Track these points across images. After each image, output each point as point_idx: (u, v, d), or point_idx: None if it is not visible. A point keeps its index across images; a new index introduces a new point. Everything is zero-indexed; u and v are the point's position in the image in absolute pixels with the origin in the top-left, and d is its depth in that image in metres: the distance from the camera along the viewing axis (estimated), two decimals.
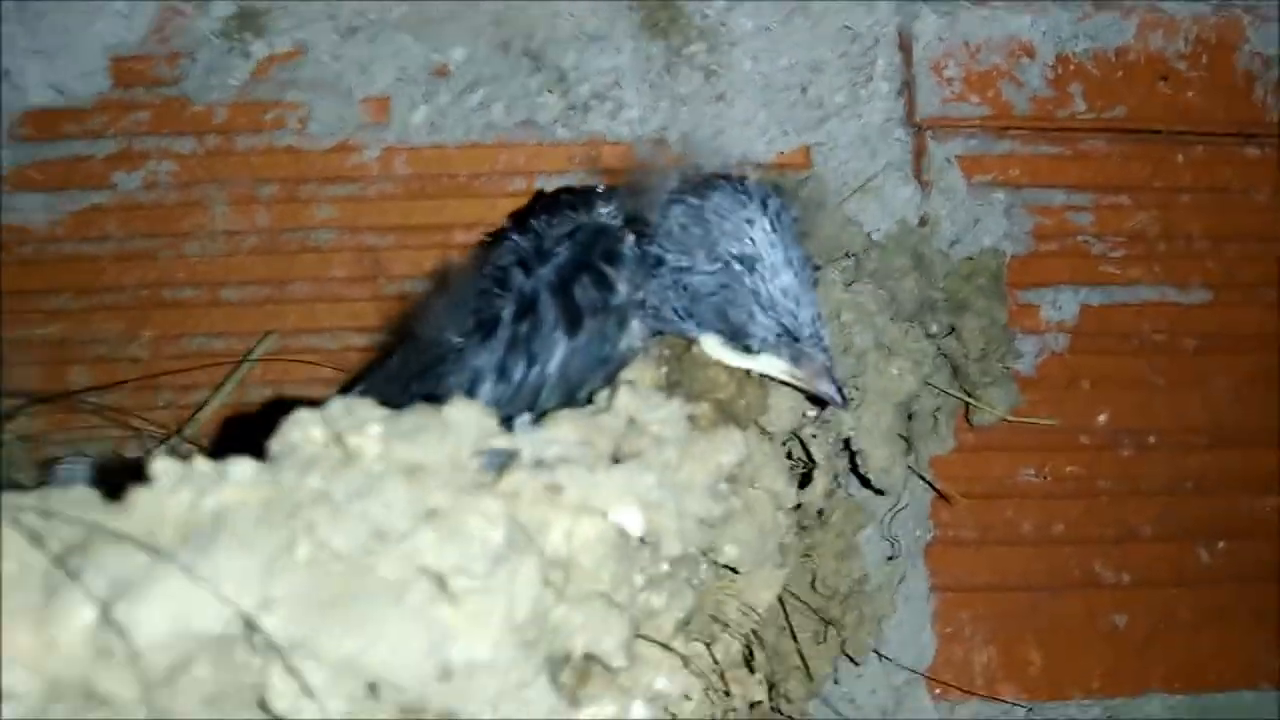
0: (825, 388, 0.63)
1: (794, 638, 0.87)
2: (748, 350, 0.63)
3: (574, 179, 0.92)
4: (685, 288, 0.62)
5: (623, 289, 0.63)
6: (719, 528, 0.64)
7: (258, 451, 0.51)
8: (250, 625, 0.45)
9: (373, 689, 0.47)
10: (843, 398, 0.64)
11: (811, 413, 0.75)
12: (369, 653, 0.47)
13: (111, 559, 0.44)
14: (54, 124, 0.91)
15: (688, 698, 0.62)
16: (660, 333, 0.66)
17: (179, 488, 0.48)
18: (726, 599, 0.69)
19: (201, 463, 0.49)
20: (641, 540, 0.58)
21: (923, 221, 0.93)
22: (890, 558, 0.91)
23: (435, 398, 0.64)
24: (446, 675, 0.49)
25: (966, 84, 0.92)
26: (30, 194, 0.91)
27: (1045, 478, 0.95)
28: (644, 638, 0.59)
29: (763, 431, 0.70)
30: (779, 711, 0.83)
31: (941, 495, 0.90)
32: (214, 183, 0.92)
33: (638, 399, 0.59)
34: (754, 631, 0.78)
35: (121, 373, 0.91)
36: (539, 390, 0.63)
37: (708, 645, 0.66)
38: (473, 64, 0.92)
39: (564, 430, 0.57)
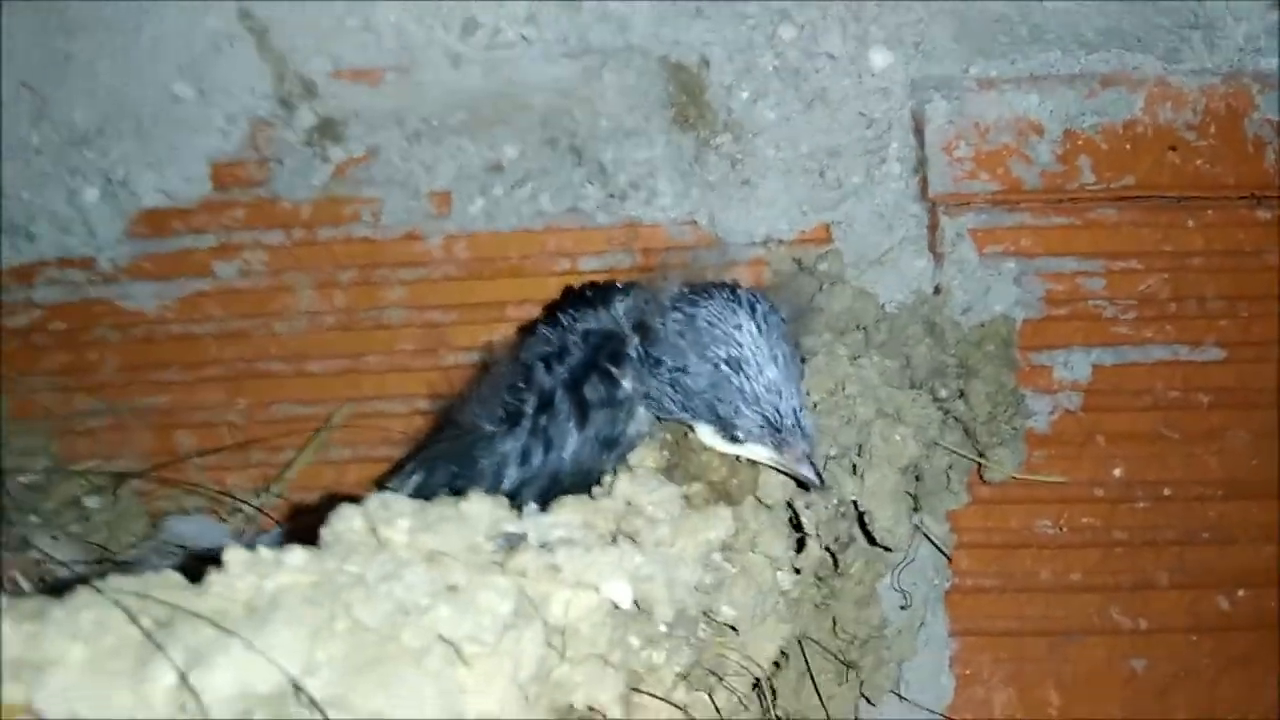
0: (804, 471, 0.71)
1: (813, 681, 0.95)
2: (735, 439, 0.72)
3: (613, 259, 1.02)
4: (680, 386, 0.71)
5: (627, 385, 0.73)
6: (714, 592, 0.72)
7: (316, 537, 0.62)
8: (296, 686, 0.55)
9: None
10: (820, 479, 0.72)
11: None
12: (393, 708, 0.57)
13: (189, 633, 0.56)
14: (163, 223, 1.05)
15: None
16: (663, 419, 0.75)
17: (246, 573, 0.59)
18: (728, 653, 0.78)
19: (264, 551, 0.60)
20: (637, 607, 0.67)
21: (936, 290, 1.00)
22: (903, 607, 0.97)
23: (469, 477, 0.76)
24: None
25: (977, 163, 0.99)
26: (143, 283, 1.05)
27: (1061, 529, 1.01)
28: (641, 691, 0.68)
29: (760, 502, 0.78)
30: None
31: (943, 553, 0.96)
32: (299, 270, 1.04)
33: (635, 484, 0.68)
34: (769, 679, 0.87)
35: (219, 437, 1.04)
36: (557, 473, 0.73)
37: (709, 694, 0.74)
38: (523, 160, 1.03)
39: (567, 514, 0.66)
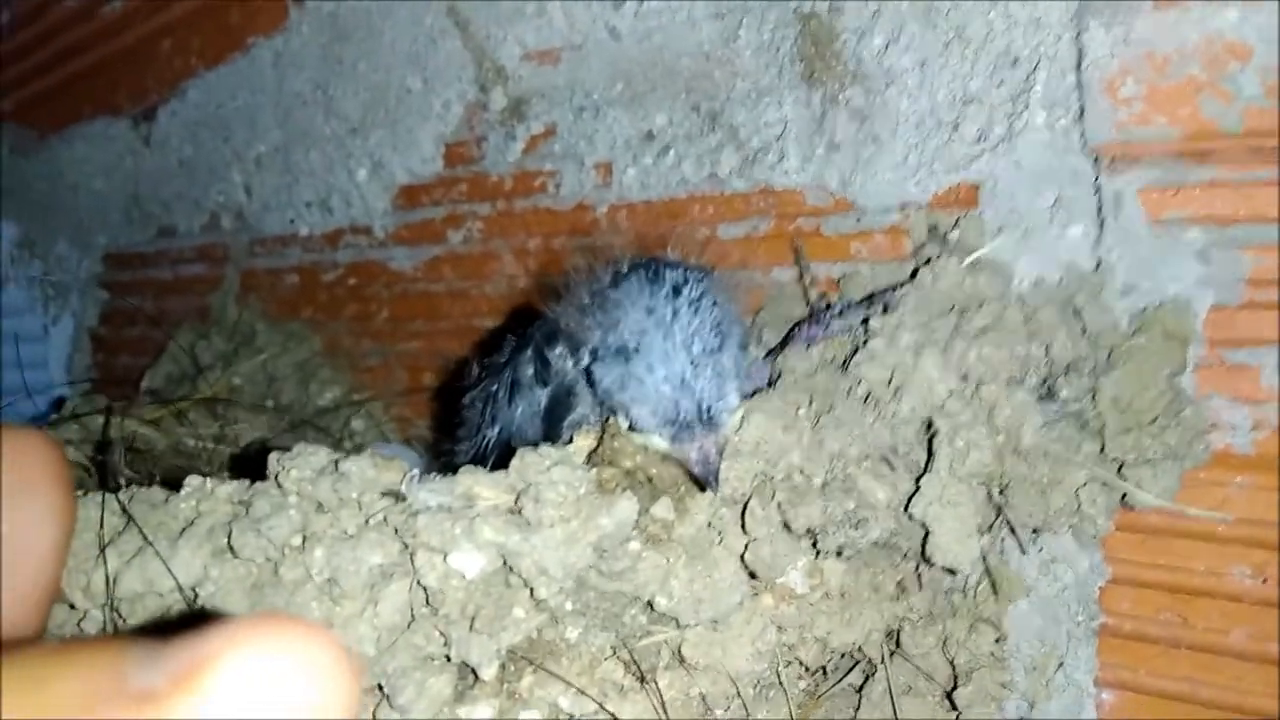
0: (697, 469, 0.66)
1: (892, 700, 0.85)
2: (634, 430, 0.69)
3: (749, 226, 0.99)
4: (594, 374, 0.70)
5: (561, 365, 0.73)
6: (625, 580, 0.70)
7: None
8: (187, 592, 0.68)
9: None
10: (715, 480, 0.66)
11: None
12: None
13: (129, 538, 0.71)
14: (414, 196, 1.23)
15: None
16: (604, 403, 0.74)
17: (192, 496, 0.73)
18: (695, 647, 0.74)
19: (209, 481, 0.73)
20: (523, 582, 0.69)
21: (1097, 266, 0.81)
22: (998, 640, 0.82)
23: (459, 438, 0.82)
24: None
25: (1150, 103, 0.77)
26: (402, 247, 1.24)
27: (1264, 581, 0.77)
28: (524, 659, 0.69)
29: (725, 497, 0.73)
30: None
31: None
32: (503, 237, 1.16)
33: (531, 463, 0.69)
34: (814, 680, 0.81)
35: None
36: (506, 443, 0.76)
37: (652, 682, 0.73)
38: (670, 127, 1.02)
39: (454, 484, 0.70)
